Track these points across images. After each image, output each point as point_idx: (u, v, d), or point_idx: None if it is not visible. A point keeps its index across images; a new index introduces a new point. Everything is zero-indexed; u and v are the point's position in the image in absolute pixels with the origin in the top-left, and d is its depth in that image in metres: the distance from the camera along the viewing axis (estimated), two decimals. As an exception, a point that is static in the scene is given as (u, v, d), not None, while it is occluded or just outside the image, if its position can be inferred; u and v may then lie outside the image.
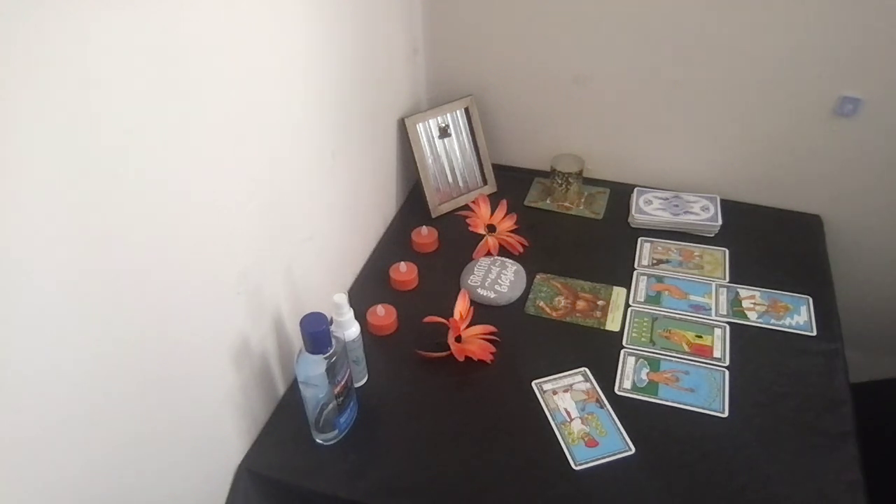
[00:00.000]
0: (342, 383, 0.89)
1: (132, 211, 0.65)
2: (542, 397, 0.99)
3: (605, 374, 1.01)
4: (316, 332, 0.82)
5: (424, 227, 1.29)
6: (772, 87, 1.20)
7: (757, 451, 0.90)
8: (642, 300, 1.14)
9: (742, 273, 1.18)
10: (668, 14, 1.18)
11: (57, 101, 0.54)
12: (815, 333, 1.06)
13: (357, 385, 1.00)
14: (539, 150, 1.42)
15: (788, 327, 1.08)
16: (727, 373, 1.01)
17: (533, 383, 1.01)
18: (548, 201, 1.38)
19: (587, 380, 1.01)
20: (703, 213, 1.29)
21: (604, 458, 0.90)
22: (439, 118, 1.35)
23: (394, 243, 1.30)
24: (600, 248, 1.26)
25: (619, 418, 0.95)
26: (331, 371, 0.85)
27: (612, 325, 1.10)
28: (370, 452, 0.93)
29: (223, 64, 0.75)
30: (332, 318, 0.93)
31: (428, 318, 1.05)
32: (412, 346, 1.06)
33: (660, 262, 1.22)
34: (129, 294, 0.67)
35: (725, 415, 0.95)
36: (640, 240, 1.27)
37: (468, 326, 1.06)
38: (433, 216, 1.35)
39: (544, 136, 1.42)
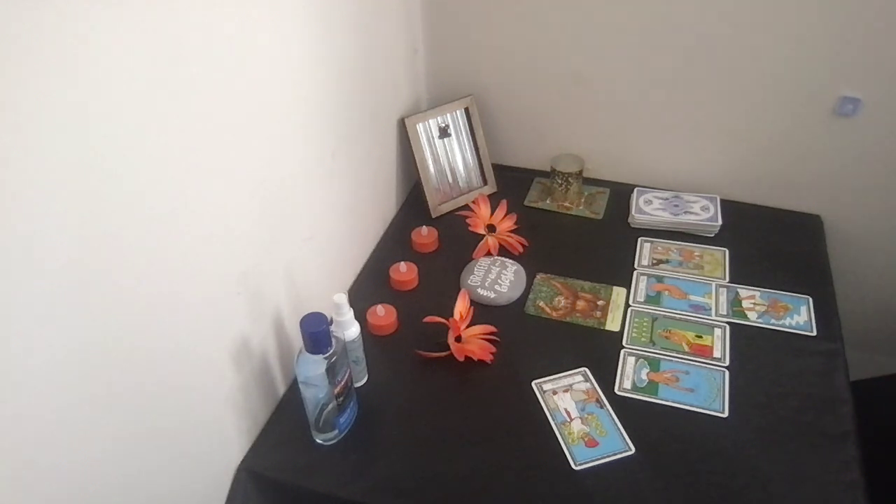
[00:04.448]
0: (342, 383, 0.89)
1: (132, 211, 0.65)
2: (542, 397, 0.99)
3: (605, 374, 1.01)
4: (316, 332, 0.82)
5: (424, 227, 1.29)
6: (772, 87, 1.20)
7: (757, 451, 0.90)
8: (642, 300, 1.14)
9: (742, 273, 1.18)
10: (668, 14, 1.18)
11: (56, 101, 0.54)
12: (815, 333, 1.06)
13: (357, 385, 1.00)
14: (539, 150, 1.42)
15: (788, 327, 1.08)
16: (727, 373, 1.01)
17: (533, 383, 1.01)
18: (548, 201, 1.38)
19: (587, 380, 1.01)
20: (703, 213, 1.29)
21: (604, 458, 0.90)
22: (439, 118, 1.35)
23: (394, 243, 1.30)
24: (600, 248, 1.26)
25: (619, 418, 0.95)
26: (331, 371, 0.85)
27: (612, 325, 1.10)
28: (370, 452, 0.93)
29: (223, 63, 0.75)
30: (332, 318, 0.93)
31: (428, 318, 1.05)
32: (412, 346, 1.06)
33: (660, 262, 1.22)
34: (129, 294, 0.67)
35: (725, 415, 0.95)
36: (640, 240, 1.27)
37: (468, 326, 1.06)
38: (433, 216, 1.35)
39: (544, 136, 1.42)
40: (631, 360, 1.04)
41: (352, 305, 0.94)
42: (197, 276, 0.77)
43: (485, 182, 1.42)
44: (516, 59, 1.33)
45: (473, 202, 1.25)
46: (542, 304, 1.15)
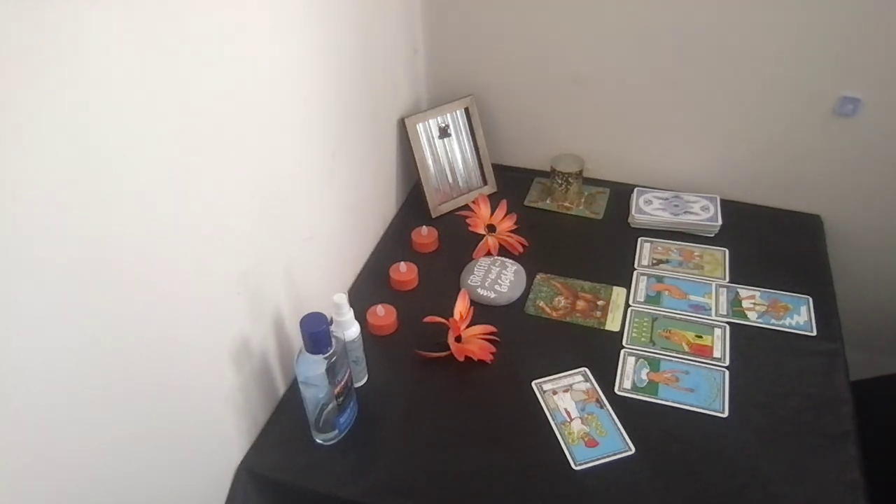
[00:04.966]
0: (342, 383, 0.89)
1: (132, 211, 0.65)
2: (542, 397, 0.99)
3: (605, 374, 1.01)
4: (316, 332, 0.82)
5: (424, 227, 1.29)
6: (772, 87, 1.20)
7: (757, 451, 0.90)
8: (642, 300, 1.14)
9: (742, 273, 1.18)
10: (667, 14, 1.18)
11: (56, 101, 0.54)
12: (815, 333, 1.06)
13: (357, 385, 1.00)
14: (539, 150, 1.42)
15: (788, 327, 1.08)
16: (727, 373, 1.01)
17: (533, 383, 1.01)
18: (548, 201, 1.38)
19: (587, 380, 1.01)
20: (703, 213, 1.29)
21: (604, 458, 0.90)
22: (439, 118, 1.35)
23: (394, 243, 1.30)
24: (600, 248, 1.26)
25: (619, 418, 0.95)
26: (331, 371, 0.85)
27: (612, 325, 1.10)
28: (370, 452, 0.93)
29: (223, 63, 0.75)
30: (332, 318, 0.93)
31: (428, 318, 1.05)
32: (412, 346, 1.06)
33: (660, 262, 1.22)
34: (129, 294, 0.67)
35: (725, 415, 0.95)
36: (640, 240, 1.27)
37: (468, 326, 1.06)
38: (433, 216, 1.35)
39: (544, 136, 1.42)
40: (631, 360, 1.04)
41: (352, 305, 0.94)
42: (197, 276, 0.77)
43: (485, 182, 1.42)
44: (516, 59, 1.33)
45: (473, 202, 1.25)
46: (542, 304, 1.15)
